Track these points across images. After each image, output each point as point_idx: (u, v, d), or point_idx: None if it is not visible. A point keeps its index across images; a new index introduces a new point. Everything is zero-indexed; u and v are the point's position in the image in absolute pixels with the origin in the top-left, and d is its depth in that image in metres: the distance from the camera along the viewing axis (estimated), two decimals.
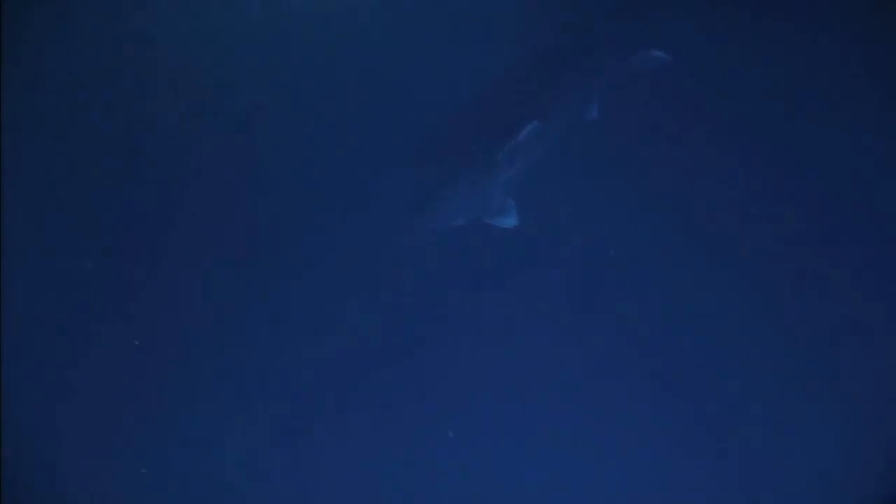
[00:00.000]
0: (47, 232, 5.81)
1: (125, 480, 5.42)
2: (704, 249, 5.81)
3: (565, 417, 5.54)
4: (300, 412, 5.58)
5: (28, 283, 5.67)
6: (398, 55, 6.09)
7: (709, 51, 6.06)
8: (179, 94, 6.08)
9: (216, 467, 5.47)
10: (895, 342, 5.60)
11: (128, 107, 6.04)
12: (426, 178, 5.81)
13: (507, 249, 5.74)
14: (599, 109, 5.85)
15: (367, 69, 6.10)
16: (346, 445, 5.51)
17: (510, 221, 5.64)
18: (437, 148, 5.89)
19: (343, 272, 5.79)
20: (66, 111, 6.02)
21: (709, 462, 5.49)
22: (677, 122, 5.98)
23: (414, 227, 5.72)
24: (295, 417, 5.57)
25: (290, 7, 6.22)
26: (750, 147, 5.97)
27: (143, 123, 6.02)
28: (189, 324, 5.71)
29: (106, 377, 5.60)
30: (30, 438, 5.40)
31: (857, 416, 5.47)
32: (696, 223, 5.87)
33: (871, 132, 5.95)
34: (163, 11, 6.16)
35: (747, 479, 5.46)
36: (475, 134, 5.84)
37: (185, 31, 6.16)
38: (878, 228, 5.80)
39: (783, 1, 6.19)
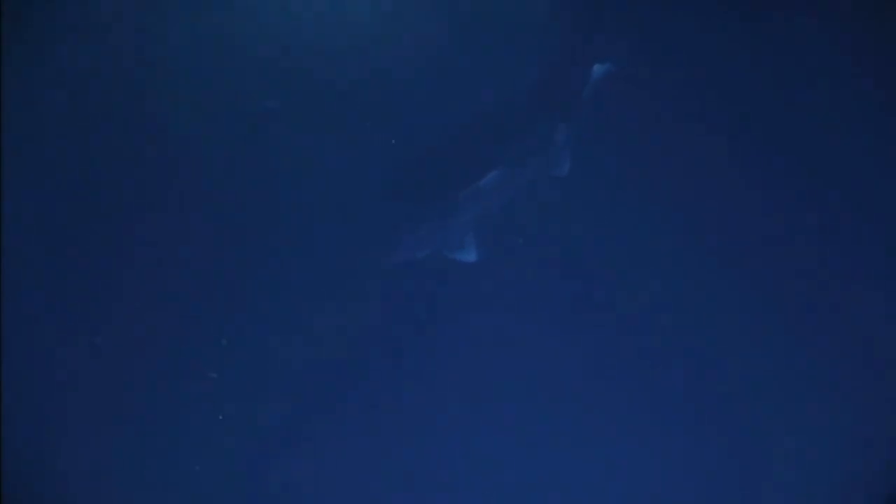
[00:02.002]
0: (49, 233, 5.80)
1: (125, 480, 5.43)
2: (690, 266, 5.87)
3: (557, 420, 5.60)
4: (294, 413, 5.62)
5: (28, 283, 5.67)
6: (377, 91, 6.18)
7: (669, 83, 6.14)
8: (188, 96, 6.09)
9: (214, 467, 5.48)
10: (895, 342, 5.61)
11: (133, 108, 6.04)
12: (391, 210, 6.01)
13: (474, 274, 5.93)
14: (570, 166, 6.03)
15: (351, 98, 6.18)
16: (336, 445, 5.58)
17: (469, 256, 5.91)
18: (404, 183, 6.07)
19: (319, 281, 5.89)
20: (71, 113, 6.00)
21: (708, 462, 5.49)
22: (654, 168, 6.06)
23: (378, 254, 5.94)
24: (289, 418, 5.60)
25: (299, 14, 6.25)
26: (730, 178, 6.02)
27: (149, 125, 6.03)
28: (189, 325, 5.72)
29: (105, 377, 5.60)
30: (29, 438, 5.40)
31: (858, 416, 5.48)
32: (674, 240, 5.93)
33: (870, 131, 5.97)
34: (172, 12, 6.16)
35: (747, 478, 5.47)
36: (441, 174, 6.05)
37: (194, 32, 6.16)
38: (879, 228, 5.81)
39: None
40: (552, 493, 5.45)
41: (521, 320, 5.78)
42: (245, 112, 6.08)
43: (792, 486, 5.42)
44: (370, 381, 5.69)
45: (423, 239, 5.96)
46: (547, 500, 5.46)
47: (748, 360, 5.66)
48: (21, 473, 5.27)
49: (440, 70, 6.17)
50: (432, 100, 6.14)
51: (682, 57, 6.15)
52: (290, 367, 5.70)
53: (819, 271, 5.78)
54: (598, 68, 6.11)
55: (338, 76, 6.14)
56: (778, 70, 6.12)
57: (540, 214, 5.99)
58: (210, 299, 5.78)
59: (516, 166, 6.01)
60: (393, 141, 6.08)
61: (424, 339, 5.74)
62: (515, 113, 6.16)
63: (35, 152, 5.91)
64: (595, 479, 5.46)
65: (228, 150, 6.03)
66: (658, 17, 6.22)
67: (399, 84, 6.14)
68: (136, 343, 5.67)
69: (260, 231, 5.93)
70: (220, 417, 5.57)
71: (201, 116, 6.04)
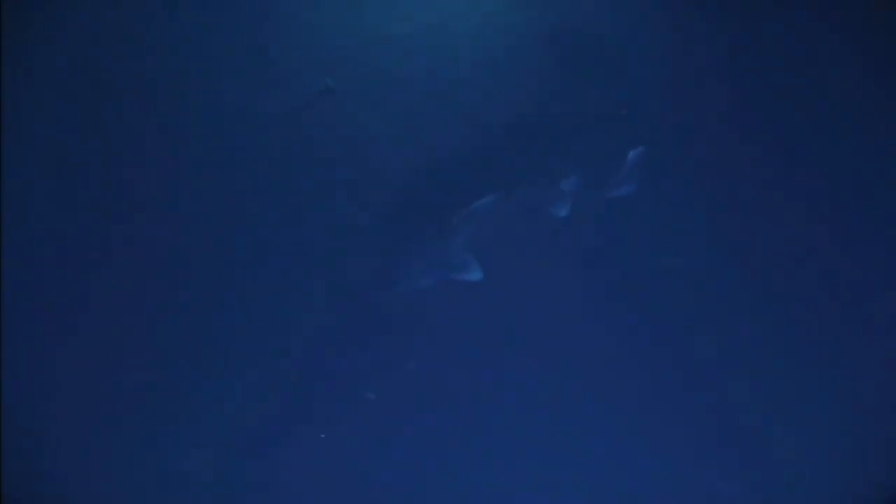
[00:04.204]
0: (54, 232, 5.81)
1: (125, 482, 5.41)
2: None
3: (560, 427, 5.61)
4: (291, 415, 5.64)
5: (28, 281, 5.66)
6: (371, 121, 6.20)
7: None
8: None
9: (214, 468, 5.48)
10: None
11: (147, 104, 6.08)
12: (387, 246, 5.95)
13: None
14: (570, 209, 6.01)
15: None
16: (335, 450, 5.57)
17: (474, 275, 5.79)
18: (397, 215, 6.02)
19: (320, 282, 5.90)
20: (106, 71, 6.06)
21: (706, 462, 5.49)
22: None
23: (380, 291, 5.87)
24: (287, 420, 5.63)
25: None
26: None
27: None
28: (187, 326, 5.73)
29: (104, 377, 5.60)
30: (28, 438, 5.39)
31: (858, 416, 5.49)
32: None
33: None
34: None
35: (747, 478, 5.47)
36: (433, 201, 6.01)
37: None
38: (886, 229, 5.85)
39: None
40: (555, 495, 5.47)
41: (523, 324, 5.81)
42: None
43: (792, 485, 5.42)
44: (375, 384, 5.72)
45: (424, 267, 5.88)
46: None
47: (752, 361, 5.68)
48: (21, 473, 5.26)
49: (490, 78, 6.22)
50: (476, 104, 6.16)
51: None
52: (280, 372, 5.72)
53: (827, 276, 5.82)
54: (634, 154, 6.09)
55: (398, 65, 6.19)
56: (794, 74, 6.18)
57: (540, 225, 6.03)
58: (214, 297, 5.80)
59: (511, 196, 5.98)
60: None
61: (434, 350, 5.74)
62: (544, 143, 6.17)
63: (49, 150, 5.92)
64: (598, 482, 5.47)
65: (235, 149, 6.07)
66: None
67: (449, 81, 6.19)
68: (126, 339, 5.67)
69: (259, 232, 5.96)
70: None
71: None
